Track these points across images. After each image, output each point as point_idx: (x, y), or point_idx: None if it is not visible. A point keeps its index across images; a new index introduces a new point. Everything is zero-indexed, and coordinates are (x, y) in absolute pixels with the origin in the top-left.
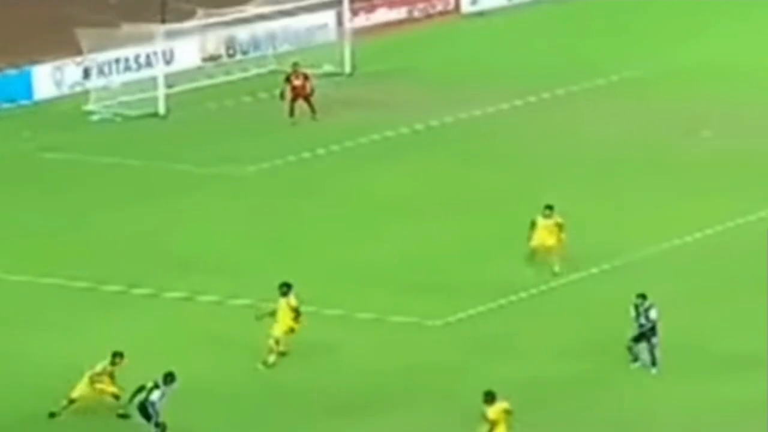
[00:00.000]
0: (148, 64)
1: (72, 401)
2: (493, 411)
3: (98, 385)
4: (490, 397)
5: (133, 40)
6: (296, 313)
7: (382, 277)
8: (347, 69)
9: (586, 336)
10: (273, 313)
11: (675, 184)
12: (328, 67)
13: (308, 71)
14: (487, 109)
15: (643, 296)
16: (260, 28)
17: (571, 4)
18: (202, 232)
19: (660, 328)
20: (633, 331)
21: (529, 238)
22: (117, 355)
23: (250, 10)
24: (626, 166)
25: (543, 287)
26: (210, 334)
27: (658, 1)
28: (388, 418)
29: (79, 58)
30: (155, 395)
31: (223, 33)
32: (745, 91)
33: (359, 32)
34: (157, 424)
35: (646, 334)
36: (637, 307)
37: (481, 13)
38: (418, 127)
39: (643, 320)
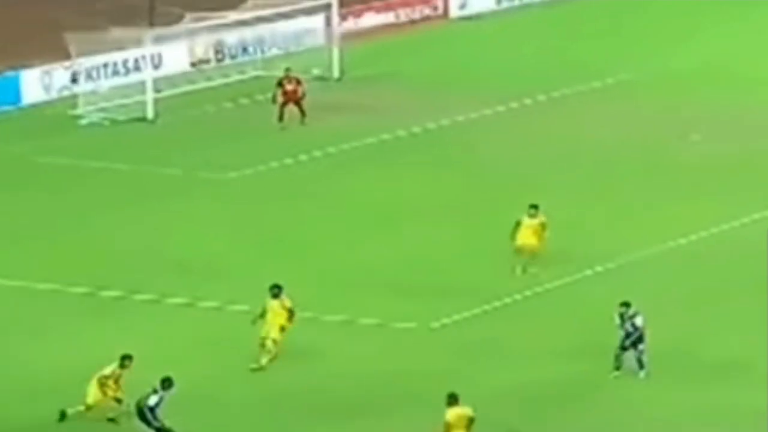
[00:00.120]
0: (137, 68)
1: (89, 407)
2: (452, 414)
3: (105, 389)
4: (452, 399)
5: (121, 45)
6: (290, 313)
7: (370, 281)
8: (336, 73)
9: (577, 340)
10: (263, 314)
11: (666, 188)
12: (316, 72)
13: (300, 76)
14: (479, 113)
15: (626, 304)
16: (249, 33)
17: (560, 7)
18: (192, 237)
19: (647, 335)
20: (619, 339)
21: (513, 238)
22: (126, 358)
23: (239, 15)
24: (617, 169)
25: (534, 290)
26: (207, 339)
27: (647, 4)
28: (383, 422)
29: (67, 63)
30: (153, 400)
31: (212, 37)
32: (736, 94)
33: (348, 37)
34: (158, 429)
35: (633, 341)
36: (622, 315)
37: (470, 18)
38: (407, 132)
39: (629, 328)
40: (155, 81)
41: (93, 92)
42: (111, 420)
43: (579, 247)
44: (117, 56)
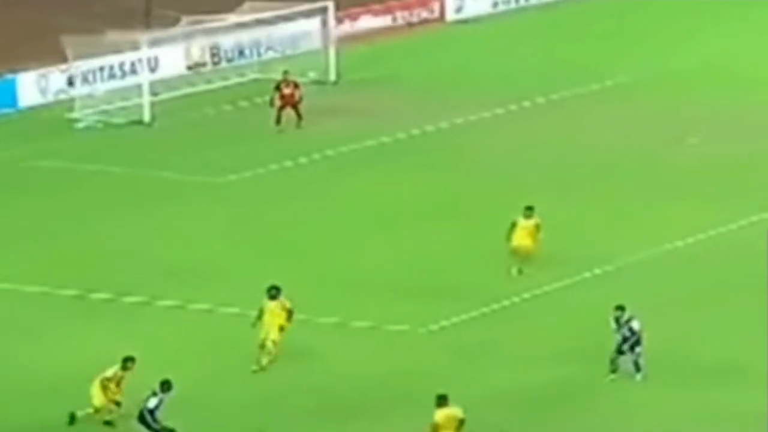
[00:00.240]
0: (133, 71)
1: (98, 410)
2: (441, 415)
3: (105, 391)
4: (442, 400)
5: (118, 48)
6: (290, 313)
7: (367, 284)
8: (332, 77)
9: (574, 342)
10: (260, 316)
11: (664, 190)
12: (313, 75)
13: (298, 79)
14: (477, 116)
15: (621, 307)
16: (245, 36)
17: (557, 10)
18: (188, 240)
19: (644, 338)
20: (616, 343)
21: (509, 239)
22: (128, 360)
23: (235, 18)
24: (615, 172)
25: (533, 293)
26: (201, 341)
27: (646, 5)
28: (381, 423)
29: (64, 66)
30: (152, 403)
31: (208, 40)
32: (736, 95)
33: (344, 40)
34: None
35: (630, 345)
36: (617, 319)
37: (466, 21)
38: (405, 135)
39: (626, 332)
40: (152, 84)
41: (89, 95)
42: (107, 423)
43: (577, 249)
44: (113, 59)
